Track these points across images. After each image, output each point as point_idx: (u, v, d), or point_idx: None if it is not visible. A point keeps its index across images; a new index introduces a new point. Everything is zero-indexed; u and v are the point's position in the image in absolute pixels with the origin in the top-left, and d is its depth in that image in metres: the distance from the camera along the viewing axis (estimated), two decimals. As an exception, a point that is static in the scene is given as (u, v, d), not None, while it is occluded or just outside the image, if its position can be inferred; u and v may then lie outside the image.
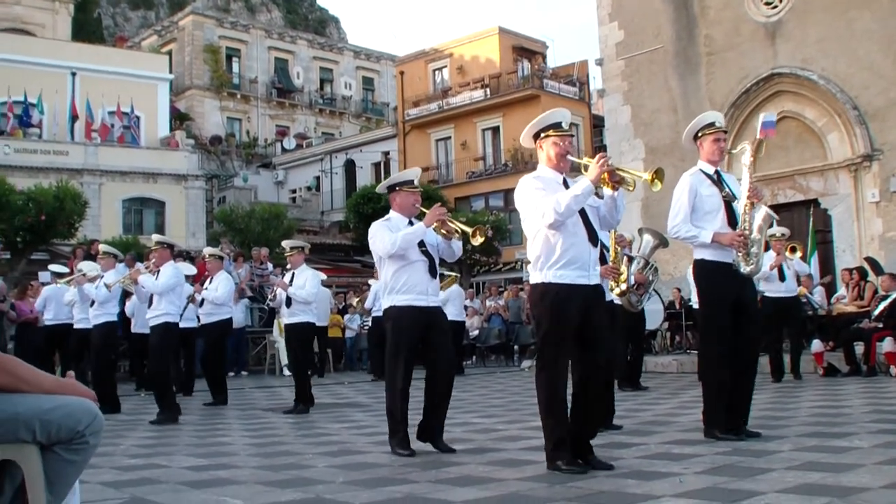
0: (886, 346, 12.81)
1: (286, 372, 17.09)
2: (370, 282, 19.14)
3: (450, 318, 17.11)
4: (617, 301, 10.32)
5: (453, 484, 5.29)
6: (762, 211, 6.85)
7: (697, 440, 6.73)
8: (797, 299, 13.23)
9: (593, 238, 5.73)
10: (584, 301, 5.61)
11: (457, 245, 7.00)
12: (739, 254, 6.73)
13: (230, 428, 9.29)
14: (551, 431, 5.59)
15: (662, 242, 10.48)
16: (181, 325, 11.26)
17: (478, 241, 6.73)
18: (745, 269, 6.74)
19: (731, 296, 6.80)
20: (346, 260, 37.05)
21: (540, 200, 5.59)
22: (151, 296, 10.47)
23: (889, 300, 13.43)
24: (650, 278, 10.79)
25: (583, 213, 5.68)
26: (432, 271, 6.90)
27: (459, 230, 6.83)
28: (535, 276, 5.73)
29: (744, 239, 6.71)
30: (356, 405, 11.80)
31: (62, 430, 3.03)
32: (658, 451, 6.30)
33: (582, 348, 5.64)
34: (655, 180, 5.50)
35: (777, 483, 4.87)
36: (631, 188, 5.73)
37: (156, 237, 11.11)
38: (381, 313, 17.39)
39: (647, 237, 10.66)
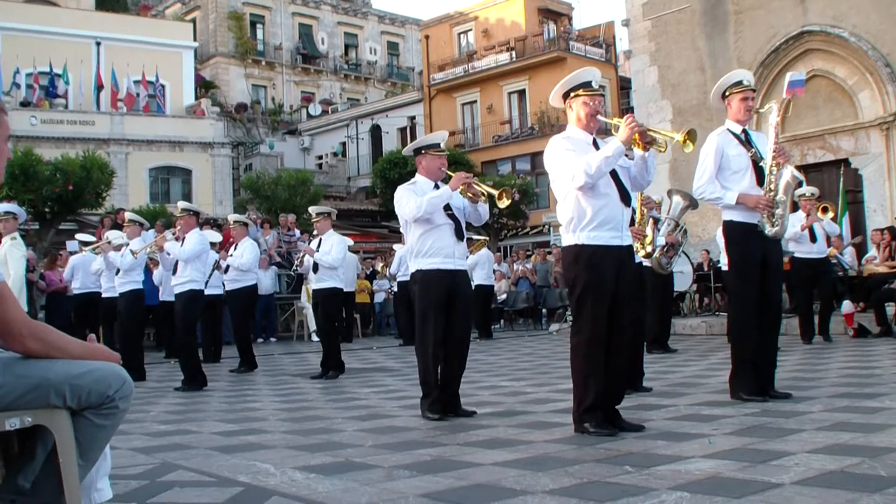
0: (918, 306, 12.72)
1: (314, 338, 17.19)
2: (395, 247, 19.14)
3: (478, 281, 17.35)
4: (646, 263, 10.29)
5: (482, 447, 5.30)
6: (788, 172, 6.76)
7: (726, 402, 6.70)
8: (827, 260, 13.11)
9: (625, 198, 5.68)
10: (617, 262, 5.58)
11: (483, 208, 6.94)
12: (764, 215, 6.67)
13: (259, 394, 9.34)
14: (584, 394, 5.54)
15: (692, 204, 10.40)
16: (207, 292, 11.29)
17: (504, 203, 6.67)
18: (769, 230, 6.68)
19: (759, 257, 6.75)
20: (373, 225, 37.12)
21: (570, 161, 5.53)
22: (176, 263, 10.50)
23: (921, 260, 13.30)
24: (680, 240, 10.73)
25: (614, 173, 5.62)
26: (459, 234, 6.86)
27: (485, 193, 6.78)
28: (568, 237, 5.67)
29: (768, 201, 6.64)
30: (385, 370, 11.84)
31: (92, 394, 3.05)
32: (687, 413, 6.28)
33: (610, 309, 5.60)
34: (687, 141, 5.43)
35: (807, 444, 4.84)
36: (662, 149, 5.66)
37: (182, 204, 11.12)
38: (406, 278, 17.50)
39: (677, 199, 10.58)
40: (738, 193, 6.73)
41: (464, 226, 6.95)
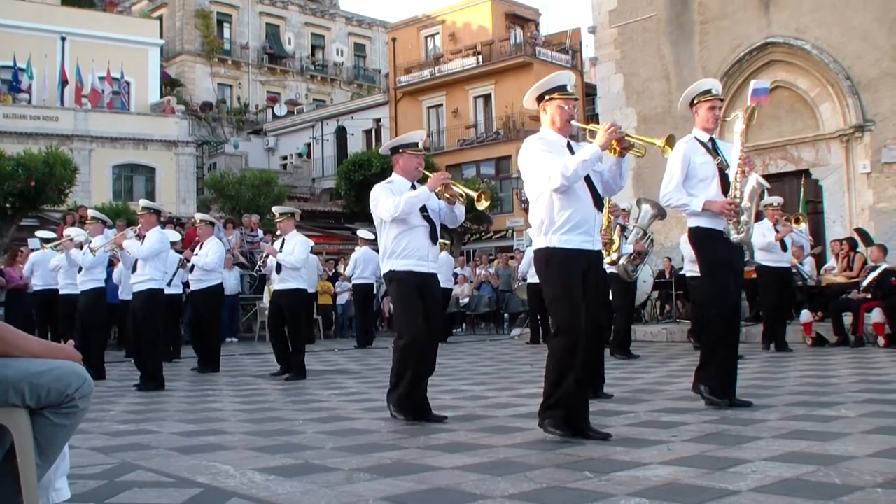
0: (874, 316, 12.86)
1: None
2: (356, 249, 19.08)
3: (438, 284, 17.27)
4: (611, 270, 10.38)
5: (443, 450, 5.31)
6: (753, 179, 6.82)
7: (686, 408, 6.77)
8: (790, 269, 13.22)
9: (598, 203, 5.69)
10: (586, 265, 5.59)
11: (460, 210, 6.90)
12: (730, 222, 6.73)
13: (220, 394, 9.30)
14: (552, 392, 5.52)
15: (661, 213, 10.47)
16: (167, 291, 11.20)
17: (483, 205, 6.66)
18: (735, 237, 6.74)
19: (727, 261, 6.83)
20: (337, 227, 37.01)
21: (546, 163, 5.51)
22: (136, 261, 10.40)
23: (878, 271, 13.46)
24: (647, 248, 10.80)
25: (587, 177, 5.62)
26: (433, 237, 6.82)
27: (463, 194, 6.75)
28: (540, 240, 5.65)
29: (734, 207, 6.70)
30: (346, 372, 11.82)
31: (52, 393, 3.03)
32: (647, 419, 6.33)
33: None
34: (666, 147, 5.51)
35: (764, 451, 4.90)
36: (641, 153, 5.71)
37: (143, 202, 11.03)
38: (362, 280, 17.36)
39: (646, 207, 10.63)
40: (705, 200, 6.78)
41: (438, 228, 6.92)
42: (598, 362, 7.35)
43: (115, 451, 5.66)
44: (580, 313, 5.48)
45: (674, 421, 6.17)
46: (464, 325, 23.03)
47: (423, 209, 6.77)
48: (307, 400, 8.49)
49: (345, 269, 20.04)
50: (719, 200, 6.75)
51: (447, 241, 20.16)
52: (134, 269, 10.47)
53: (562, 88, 5.78)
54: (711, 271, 7.01)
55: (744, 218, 6.73)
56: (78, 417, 3.17)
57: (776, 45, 19.79)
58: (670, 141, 5.54)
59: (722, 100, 7.28)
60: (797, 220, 12.92)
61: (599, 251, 5.79)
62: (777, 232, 12.48)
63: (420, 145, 7.12)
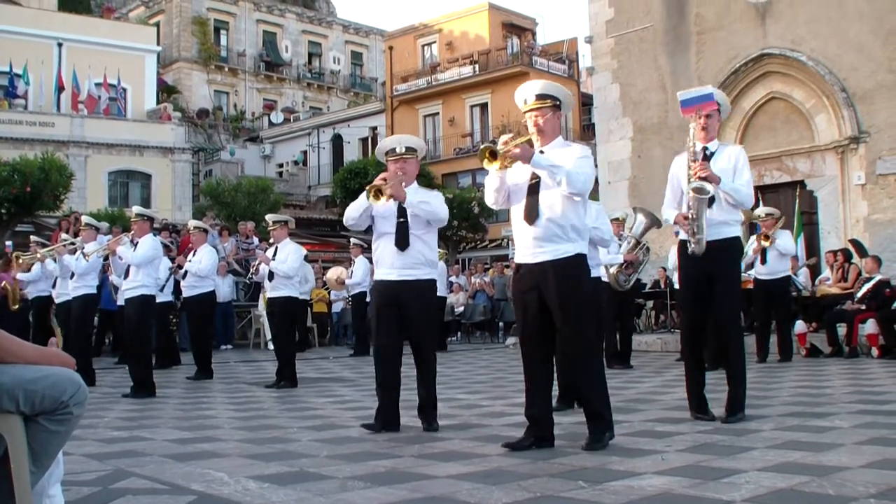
0: (868, 327, 12.89)
1: (271, 346, 17.10)
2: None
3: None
4: (605, 278, 10.38)
5: (437, 459, 5.32)
6: (689, 189, 6.71)
7: (680, 418, 6.77)
8: (782, 281, 13.09)
9: (529, 216, 5.68)
10: (537, 277, 5.63)
11: (429, 207, 6.78)
12: (688, 233, 6.74)
13: (215, 401, 9.29)
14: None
15: (655, 223, 10.45)
16: (159, 299, 11.20)
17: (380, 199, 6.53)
18: (691, 248, 6.74)
19: (697, 274, 6.80)
20: (333, 235, 36.96)
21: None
22: (128, 268, 10.40)
23: (872, 282, 13.48)
24: (641, 258, 10.76)
25: (529, 189, 5.69)
26: (398, 244, 6.75)
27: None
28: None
29: (685, 221, 6.71)
30: (341, 380, 11.81)
31: (46, 400, 3.03)
32: (641, 429, 6.33)
33: (543, 323, 5.66)
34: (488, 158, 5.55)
35: (758, 461, 4.91)
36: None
37: (136, 209, 11.06)
38: (359, 289, 17.34)
39: (640, 217, 10.60)
40: (676, 213, 6.82)
41: (415, 232, 6.79)
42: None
43: (110, 457, 5.65)
44: (528, 327, 5.72)
45: (668, 431, 6.18)
46: (459, 334, 23.01)
47: (402, 214, 6.75)
48: (302, 408, 8.48)
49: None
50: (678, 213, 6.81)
51: (444, 251, 20.13)
52: (126, 276, 10.47)
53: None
54: (680, 285, 7.15)
55: (696, 229, 6.68)
56: (72, 424, 3.17)
57: (772, 57, 19.83)
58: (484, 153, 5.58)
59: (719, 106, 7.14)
60: (765, 237, 12.83)
61: (551, 261, 5.60)
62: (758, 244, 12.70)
63: (398, 149, 7.01)
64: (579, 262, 5.68)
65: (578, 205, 5.67)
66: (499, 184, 5.75)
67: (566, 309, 5.53)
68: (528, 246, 5.69)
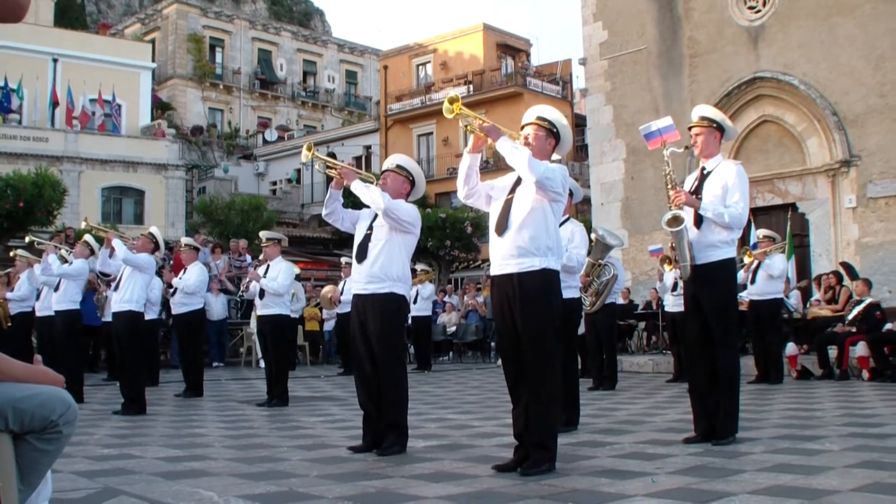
0: (859, 350, 12.91)
1: (262, 364, 17.07)
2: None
3: (416, 313, 17.14)
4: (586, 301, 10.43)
5: (427, 479, 5.31)
6: (667, 219, 6.69)
7: (671, 440, 6.76)
8: (771, 303, 13.11)
9: (498, 227, 5.68)
10: (504, 291, 5.64)
11: (369, 200, 6.81)
12: (676, 258, 6.79)
13: (205, 420, 9.26)
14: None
15: (609, 245, 10.22)
16: (147, 316, 11.23)
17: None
18: (677, 273, 6.77)
19: (690, 297, 6.81)
20: (325, 253, 37.00)
21: None
22: (119, 281, 10.41)
23: (863, 305, 13.52)
24: (595, 280, 10.52)
25: (507, 203, 5.70)
26: (357, 256, 6.75)
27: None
28: None
29: (671, 244, 6.77)
30: (331, 398, 11.78)
31: (35, 418, 3.02)
32: (632, 451, 6.32)
33: (518, 342, 5.61)
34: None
35: (748, 484, 4.91)
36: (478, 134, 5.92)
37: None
38: (346, 310, 17.35)
39: (595, 238, 10.28)
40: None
41: (378, 245, 6.71)
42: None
43: (99, 475, 5.63)
44: (502, 343, 5.75)
45: (659, 453, 6.17)
46: (450, 354, 23.00)
47: (370, 228, 6.83)
48: (292, 427, 8.46)
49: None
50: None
51: (429, 269, 20.12)
52: (117, 287, 10.45)
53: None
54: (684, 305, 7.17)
55: (680, 259, 6.69)
56: (62, 443, 3.16)
57: (764, 80, 19.94)
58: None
59: (693, 126, 6.90)
60: (750, 254, 13.14)
61: (517, 274, 5.55)
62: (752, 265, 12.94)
63: (387, 165, 7.22)
64: (547, 276, 5.57)
65: (551, 221, 5.62)
66: (467, 171, 5.86)
67: (526, 325, 5.47)
68: (497, 258, 5.70)
